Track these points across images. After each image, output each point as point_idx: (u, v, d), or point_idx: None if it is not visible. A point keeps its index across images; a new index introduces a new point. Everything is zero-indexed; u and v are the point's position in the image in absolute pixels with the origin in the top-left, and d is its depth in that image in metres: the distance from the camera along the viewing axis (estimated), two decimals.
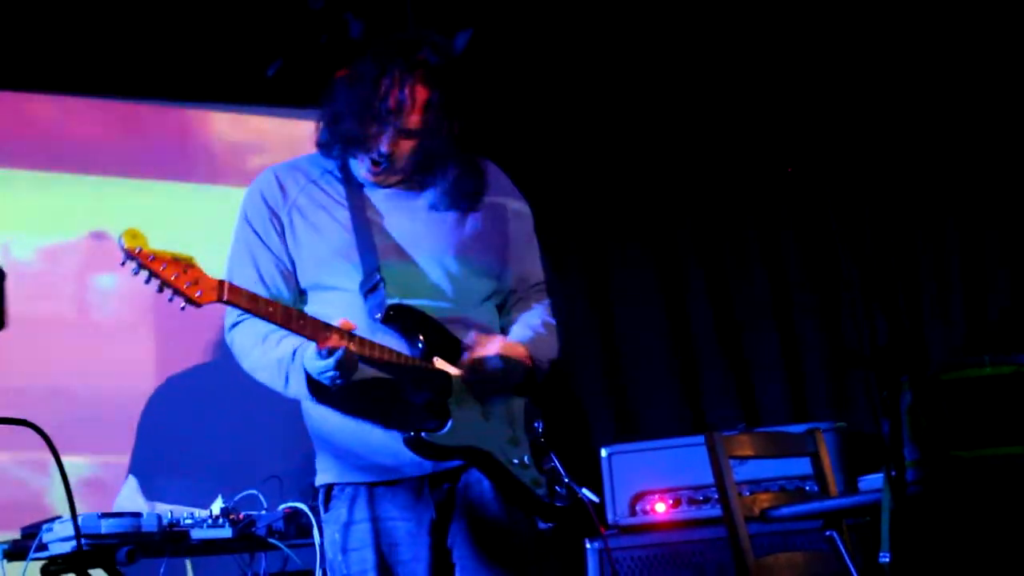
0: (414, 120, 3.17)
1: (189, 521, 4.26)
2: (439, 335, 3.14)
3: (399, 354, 3.08)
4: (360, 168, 3.23)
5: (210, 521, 4.27)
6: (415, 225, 3.24)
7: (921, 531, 3.31)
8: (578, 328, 5.98)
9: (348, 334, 2.98)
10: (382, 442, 3.13)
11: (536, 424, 3.25)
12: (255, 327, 3.15)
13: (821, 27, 5.72)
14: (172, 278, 2.87)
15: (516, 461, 3.17)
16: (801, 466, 4.35)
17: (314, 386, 3.08)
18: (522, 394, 3.26)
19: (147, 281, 2.86)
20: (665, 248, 6.12)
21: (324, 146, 3.25)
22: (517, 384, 3.23)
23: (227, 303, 2.94)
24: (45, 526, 4.19)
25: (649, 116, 6.11)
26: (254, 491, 4.57)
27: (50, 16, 5.44)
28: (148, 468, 5.44)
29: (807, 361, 5.85)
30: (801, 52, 5.76)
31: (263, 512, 4.42)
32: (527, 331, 3.30)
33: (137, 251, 2.84)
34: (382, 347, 3.05)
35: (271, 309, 2.97)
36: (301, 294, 3.23)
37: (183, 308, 2.90)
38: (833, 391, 5.76)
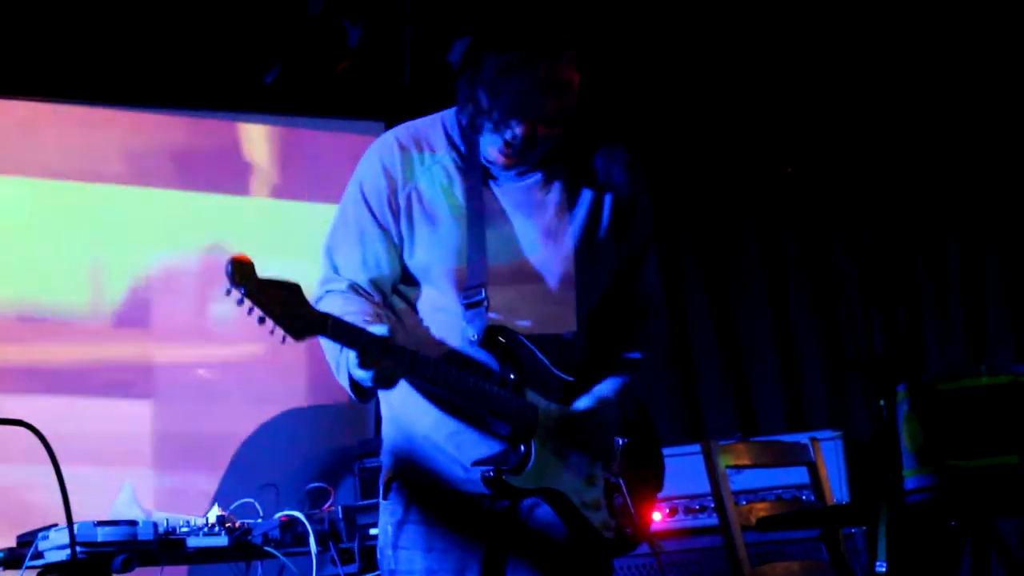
0: (555, 119, 3.00)
1: (185, 529, 4.26)
2: (536, 365, 3.02)
3: (488, 383, 2.96)
4: (491, 149, 3.03)
5: (206, 529, 4.26)
6: (535, 227, 3.07)
7: (918, 540, 3.30)
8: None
9: (389, 346, 2.85)
10: (451, 457, 3.04)
11: (614, 463, 3.13)
12: (332, 304, 2.99)
13: (821, 30, 5.72)
14: (278, 313, 2.73)
15: (589, 501, 3.07)
16: (798, 475, 4.35)
17: (356, 385, 2.96)
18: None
19: (249, 312, 2.74)
20: (664, 255, 6.11)
21: (459, 114, 3.06)
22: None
23: (331, 338, 2.81)
24: (41, 534, 4.18)
25: (649, 122, 6.11)
26: (250, 499, 4.57)
27: (51, 19, 5.45)
28: (146, 475, 5.45)
29: (805, 369, 5.85)
30: (802, 56, 5.76)
31: (259, 520, 4.41)
32: (621, 377, 3.14)
33: (244, 281, 2.71)
34: (471, 374, 2.93)
35: (368, 344, 2.82)
36: (403, 277, 3.09)
37: (283, 341, 2.77)
38: (831, 400, 5.75)
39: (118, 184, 5.70)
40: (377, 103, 6.05)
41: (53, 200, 5.60)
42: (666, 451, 4.98)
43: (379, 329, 2.86)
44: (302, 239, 5.27)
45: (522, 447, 2.99)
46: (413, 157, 3.08)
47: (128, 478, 4.56)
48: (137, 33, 5.56)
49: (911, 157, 5.67)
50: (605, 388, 3.10)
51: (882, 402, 3.01)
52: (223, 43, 5.71)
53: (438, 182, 3.06)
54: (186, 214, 5.80)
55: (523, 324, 3.02)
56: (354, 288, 3.06)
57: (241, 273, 2.71)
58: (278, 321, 2.74)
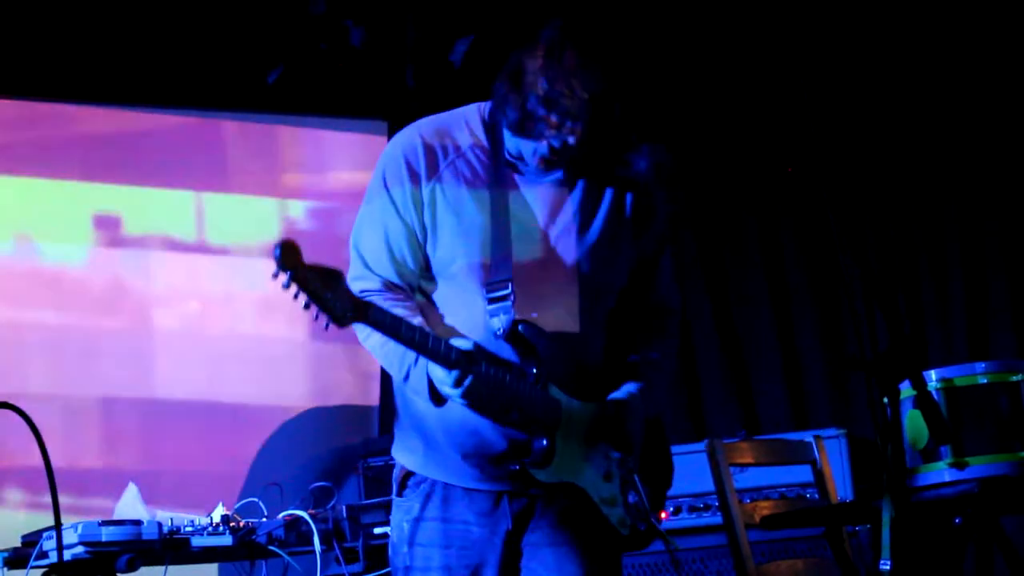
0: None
1: (189, 529, 4.26)
2: (559, 361, 3.01)
3: (514, 377, 2.95)
4: (530, 153, 3.01)
5: (210, 529, 4.27)
6: (558, 224, 3.07)
7: (922, 538, 3.30)
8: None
9: (476, 358, 2.87)
10: (472, 452, 3.03)
11: (629, 460, 3.13)
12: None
13: (822, 28, 5.72)
14: (321, 296, 2.73)
15: (607, 497, 3.07)
16: (802, 473, 4.35)
17: (435, 393, 2.95)
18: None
19: (295, 296, 2.72)
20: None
21: (494, 111, 3.04)
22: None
23: (371, 325, 2.81)
24: (45, 534, 4.19)
25: (650, 120, 6.10)
26: (255, 499, 4.57)
27: (51, 20, 5.46)
28: (149, 475, 5.45)
29: (808, 368, 5.85)
30: (803, 54, 5.76)
31: (263, 520, 4.41)
32: (644, 376, 3.15)
33: (292, 265, 2.69)
34: (499, 368, 2.93)
35: (412, 335, 2.84)
36: (427, 271, 3.08)
37: (326, 327, 2.76)
38: (834, 398, 5.76)
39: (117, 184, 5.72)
40: (380, 102, 6.06)
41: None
42: (671, 449, 5.02)
43: (463, 343, 2.89)
44: (304, 238, 5.27)
45: (545, 441, 2.98)
46: (437, 151, 3.06)
47: (132, 478, 4.57)
48: (140, 33, 5.56)
49: (913, 154, 5.67)
50: (630, 387, 3.10)
51: (886, 400, 3.00)
52: (226, 43, 5.72)
53: (462, 176, 3.05)
54: (188, 215, 5.80)
55: (546, 320, 3.02)
56: (388, 285, 3.05)
57: (289, 256, 2.69)
58: (323, 306, 2.73)
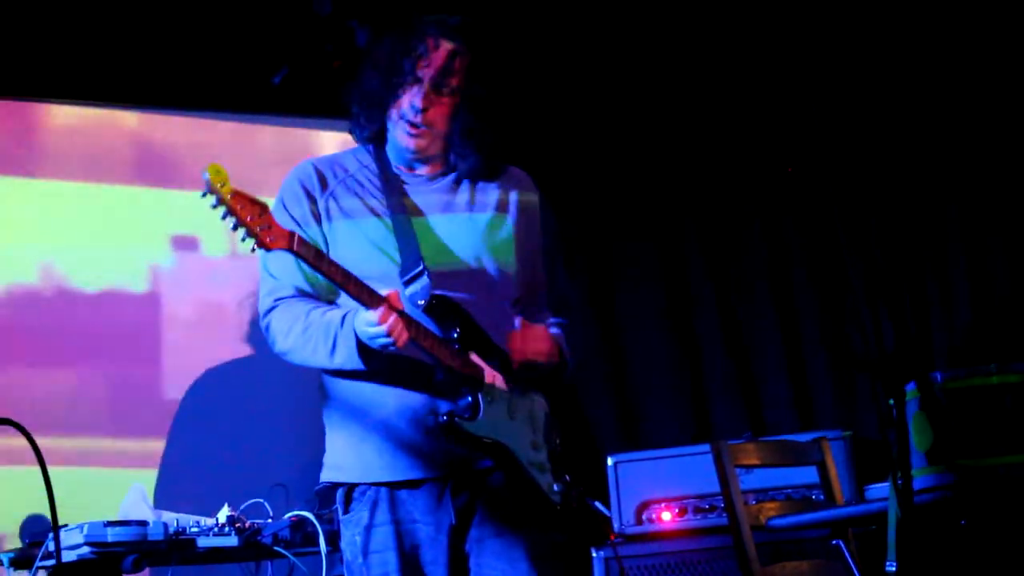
0: (450, 81, 3.23)
1: (195, 529, 4.25)
2: (474, 330, 3.18)
3: (441, 340, 3.12)
4: (399, 135, 3.27)
5: (216, 529, 4.26)
6: (452, 219, 3.28)
7: (928, 540, 3.30)
8: (582, 337, 5.97)
9: (396, 308, 3.02)
10: (408, 438, 3.14)
11: (555, 435, 3.29)
12: (293, 309, 3.19)
13: (826, 27, 5.71)
14: (248, 219, 2.90)
15: (535, 461, 3.21)
16: (807, 475, 4.35)
17: (363, 350, 3.09)
18: (548, 388, 3.32)
19: (223, 217, 2.88)
20: (670, 254, 6.12)
21: (358, 126, 3.32)
22: (548, 373, 3.29)
23: (295, 253, 2.97)
24: (51, 535, 4.19)
25: (653, 120, 6.10)
26: (260, 500, 4.57)
27: (53, 20, 5.46)
28: (154, 476, 5.45)
29: (813, 369, 5.84)
30: (807, 52, 5.75)
31: (269, 520, 4.41)
32: (554, 328, 3.36)
33: (219, 186, 2.88)
34: (426, 330, 3.09)
35: (333, 268, 3.01)
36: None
37: (253, 250, 2.93)
38: (840, 399, 5.75)
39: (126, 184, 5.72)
40: None
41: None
42: (676, 451, 5.02)
43: (384, 289, 3.07)
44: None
45: (469, 397, 3.13)
46: (328, 173, 3.30)
47: (137, 479, 4.57)
48: (146, 34, 5.56)
49: (917, 153, 5.66)
50: (548, 337, 3.29)
51: (891, 401, 3.01)
52: (231, 44, 5.72)
53: (353, 190, 3.27)
54: (191, 214, 5.80)
55: (456, 296, 3.19)
56: (299, 290, 3.22)
57: (217, 179, 2.88)
58: (248, 228, 2.89)
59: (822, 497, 4.04)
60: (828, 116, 5.68)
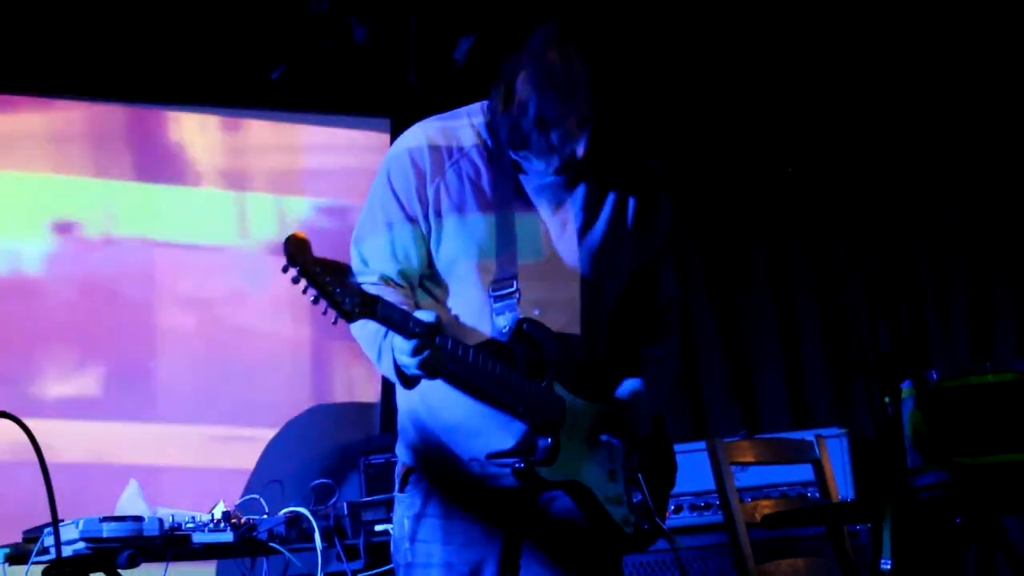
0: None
1: (191, 525, 4.26)
2: (563, 360, 3.02)
3: (512, 372, 2.95)
4: (545, 157, 2.98)
5: (212, 525, 4.27)
6: (561, 224, 3.08)
7: (923, 538, 3.30)
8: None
9: (435, 330, 2.83)
10: (479, 452, 3.03)
11: (633, 458, 3.14)
12: None
13: (825, 33, 5.72)
14: (330, 291, 2.71)
15: (612, 496, 3.07)
16: (803, 472, 4.35)
17: (401, 372, 2.94)
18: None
19: (304, 291, 2.71)
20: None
21: (501, 117, 3.01)
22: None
23: (380, 321, 2.79)
24: (47, 530, 4.19)
25: (653, 120, 6.10)
26: (256, 496, 4.57)
27: (53, 19, 5.46)
28: (150, 471, 5.46)
29: (809, 367, 5.85)
30: (806, 60, 5.76)
31: (264, 516, 4.42)
32: (648, 374, 3.16)
33: (301, 259, 2.68)
34: (493, 362, 2.91)
35: (418, 331, 2.81)
36: (430, 270, 3.07)
37: (335, 322, 2.76)
38: (836, 397, 5.76)
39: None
40: (383, 100, 6.06)
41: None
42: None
43: (426, 315, 2.84)
44: (308, 236, 5.27)
45: (550, 439, 2.97)
46: (442, 150, 3.05)
47: (132, 474, 4.57)
48: (144, 30, 5.57)
49: (915, 157, 5.67)
50: (634, 383, 3.11)
51: (887, 399, 3.01)
52: (229, 40, 5.72)
53: (466, 176, 3.04)
54: (191, 212, 5.81)
55: (549, 319, 3.02)
56: (385, 280, 3.03)
57: (298, 250, 2.69)
58: (331, 301, 2.72)
59: (817, 495, 4.04)
60: (828, 118, 5.69)
